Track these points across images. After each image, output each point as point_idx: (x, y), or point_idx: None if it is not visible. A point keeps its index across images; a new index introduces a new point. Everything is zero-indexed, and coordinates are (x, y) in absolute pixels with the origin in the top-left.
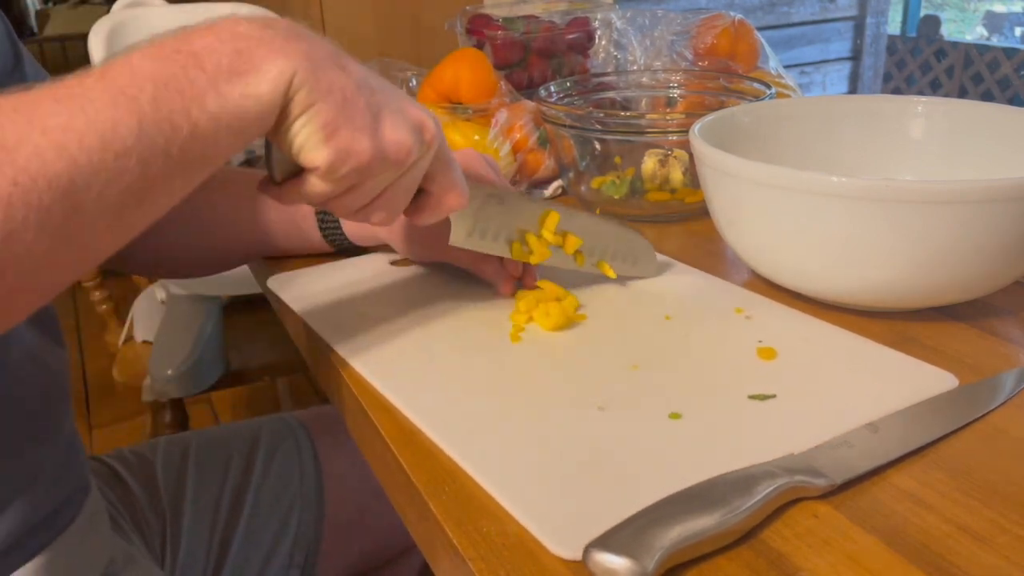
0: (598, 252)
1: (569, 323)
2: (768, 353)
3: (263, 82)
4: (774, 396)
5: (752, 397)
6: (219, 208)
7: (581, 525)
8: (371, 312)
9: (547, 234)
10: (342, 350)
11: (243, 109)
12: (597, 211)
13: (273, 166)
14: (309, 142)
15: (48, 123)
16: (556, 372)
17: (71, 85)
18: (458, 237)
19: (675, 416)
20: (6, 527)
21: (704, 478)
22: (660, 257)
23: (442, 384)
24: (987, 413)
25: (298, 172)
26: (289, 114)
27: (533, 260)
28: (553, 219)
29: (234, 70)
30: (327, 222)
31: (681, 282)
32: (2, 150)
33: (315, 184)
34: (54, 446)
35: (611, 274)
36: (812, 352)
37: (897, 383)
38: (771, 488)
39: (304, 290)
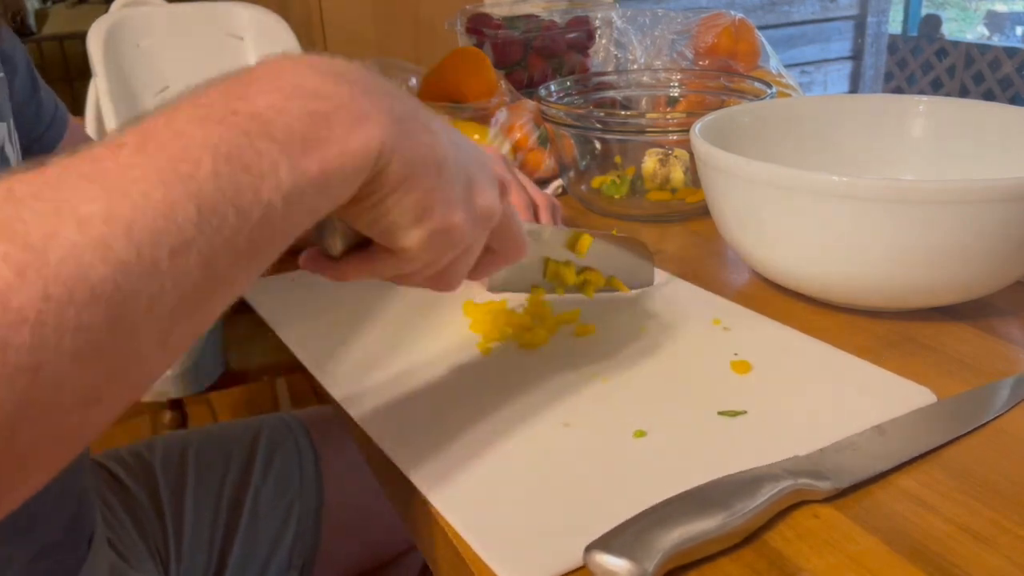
0: (607, 275)
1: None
2: (742, 367)
3: (348, 154)
4: (744, 413)
5: (722, 413)
6: None
7: (537, 549)
8: (342, 321)
9: (569, 275)
10: (306, 361)
11: (324, 187)
12: (614, 231)
13: (333, 240)
14: (400, 222)
15: (83, 211)
16: (524, 384)
17: (102, 158)
18: (496, 283)
19: (640, 434)
20: None
21: (665, 498)
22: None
23: (405, 396)
24: (996, 418)
25: (362, 243)
26: (378, 190)
27: (559, 292)
28: (585, 242)
29: (310, 139)
30: None
31: (660, 292)
32: (28, 251)
33: (392, 265)
34: (71, 503)
35: (625, 289)
36: (787, 366)
37: (871, 399)
38: (774, 491)
39: (277, 299)
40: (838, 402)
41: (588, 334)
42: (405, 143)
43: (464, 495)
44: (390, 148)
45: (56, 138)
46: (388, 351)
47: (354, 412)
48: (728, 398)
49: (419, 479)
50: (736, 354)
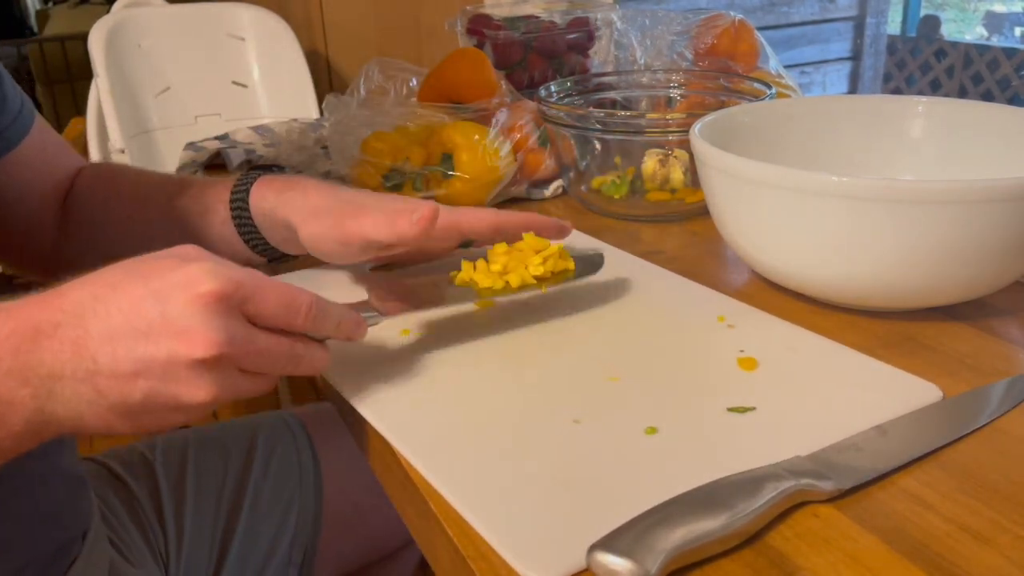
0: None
1: (552, 278)
2: (749, 363)
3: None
4: (753, 409)
5: (731, 410)
6: (132, 222)
7: (552, 545)
8: None
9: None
10: None
11: None
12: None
13: None
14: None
15: None
16: (532, 382)
17: None
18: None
19: (651, 431)
20: (8, 568)
21: (676, 495)
22: (643, 263)
23: (412, 394)
24: (997, 418)
25: None
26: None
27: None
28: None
29: None
30: (248, 232)
31: (664, 289)
32: None
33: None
34: (59, 484)
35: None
36: (793, 362)
37: (878, 396)
38: (776, 492)
39: None
40: (846, 397)
41: (592, 333)
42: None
43: (475, 492)
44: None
45: (21, 133)
46: (396, 345)
47: (360, 408)
48: (736, 394)
49: (430, 475)
50: (742, 351)
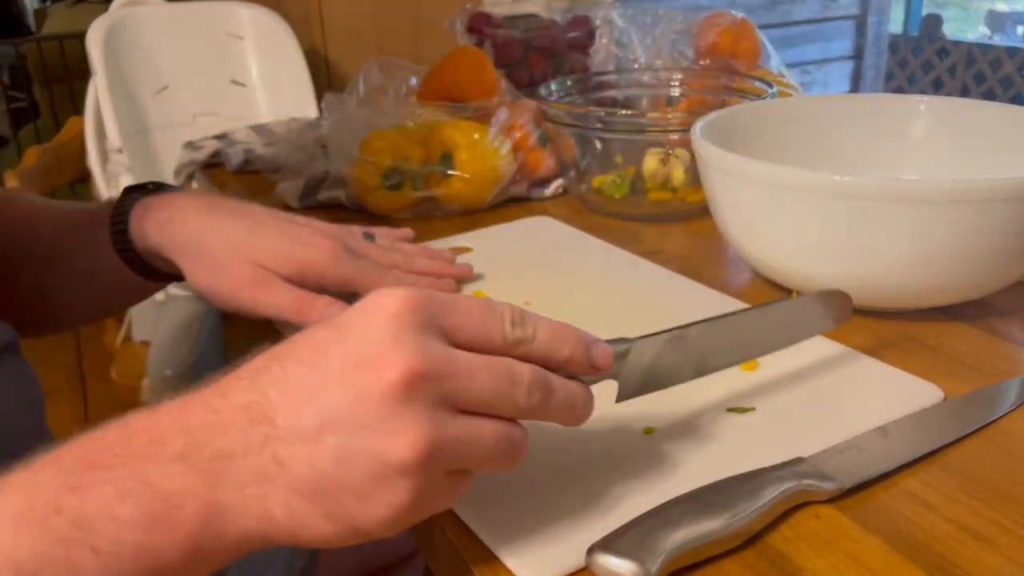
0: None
1: None
2: (750, 364)
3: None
4: (753, 409)
5: (731, 410)
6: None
7: (550, 547)
8: None
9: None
10: None
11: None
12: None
13: None
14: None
15: None
16: None
17: None
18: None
19: (649, 431)
20: None
21: (675, 496)
22: (643, 263)
23: None
24: (998, 419)
25: None
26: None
27: None
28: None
29: (144, 549)
30: (142, 269)
31: (664, 289)
32: None
33: None
34: None
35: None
36: (794, 363)
37: (879, 396)
38: (777, 492)
39: None
40: (846, 399)
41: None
42: (272, 525)
43: (473, 494)
44: (258, 538)
45: None
46: None
47: None
48: (736, 395)
49: None
50: None
